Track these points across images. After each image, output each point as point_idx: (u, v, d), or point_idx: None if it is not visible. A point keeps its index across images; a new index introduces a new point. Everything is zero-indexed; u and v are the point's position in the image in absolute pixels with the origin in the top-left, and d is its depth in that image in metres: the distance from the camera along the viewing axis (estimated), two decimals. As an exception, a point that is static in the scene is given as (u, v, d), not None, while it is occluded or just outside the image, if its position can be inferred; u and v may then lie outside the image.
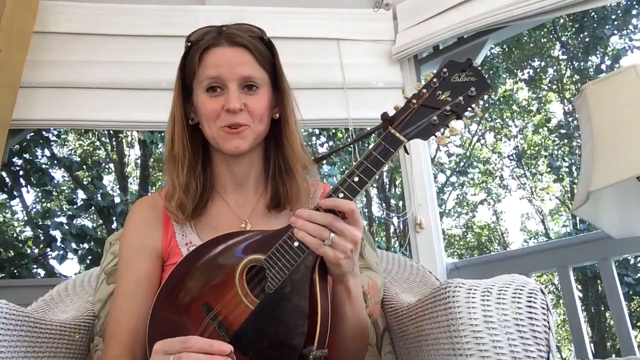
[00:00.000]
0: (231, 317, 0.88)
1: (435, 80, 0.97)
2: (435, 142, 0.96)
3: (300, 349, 0.84)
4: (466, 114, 0.95)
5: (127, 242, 1.11)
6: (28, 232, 8.01)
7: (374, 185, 10.00)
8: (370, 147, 0.94)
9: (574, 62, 10.33)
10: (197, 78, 1.06)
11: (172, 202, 1.07)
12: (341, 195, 0.90)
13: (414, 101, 0.97)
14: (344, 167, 9.06)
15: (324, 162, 9.43)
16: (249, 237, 0.96)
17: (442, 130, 0.95)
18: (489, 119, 11.71)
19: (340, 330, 0.98)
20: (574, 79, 10.64)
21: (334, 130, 9.00)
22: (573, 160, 10.17)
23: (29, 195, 8.04)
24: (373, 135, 1.18)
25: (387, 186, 10.32)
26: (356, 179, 0.92)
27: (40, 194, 8.13)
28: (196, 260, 0.96)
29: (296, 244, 0.89)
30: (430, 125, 0.94)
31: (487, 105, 11.01)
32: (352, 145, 2.15)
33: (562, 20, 9.32)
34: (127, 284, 1.05)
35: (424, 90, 0.97)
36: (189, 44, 1.09)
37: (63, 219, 6.42)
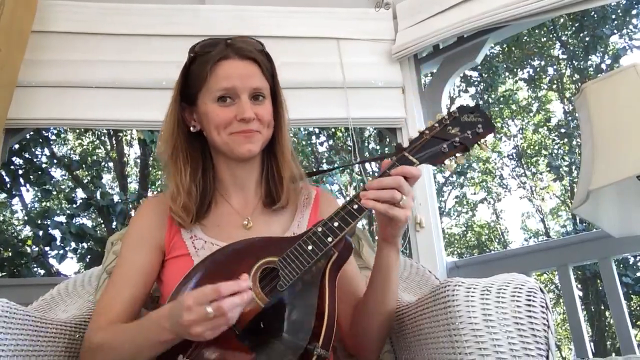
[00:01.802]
0: (242, 312, 0.91)
1: (446, 118, 1.08)
2: (443, 168, 1.06)
3: (305, 344, 0.87)
4: (473, 148, 1.05)
5: (131, 233, 1.15)
6: (28, 232, 8.01)
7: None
8: (386, 166, 1.00)
9: (574, 62, 10.33)
10: (207, 88, 1.10)
11: (177, 205, 1.10)
12: (356, 206, 0.97)
13: (427, 132, 1.06)
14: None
15: (324, 161, 9.43)
16: (265, 241, 1.03)
17: (450, 159, 1.04)
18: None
19: (385, 304, 1.04)
20: (574, 79, 10.64)
21: (333, 130, 9.00)
22: (573, 160, 10.17)
23: (28, 194, 8.05)
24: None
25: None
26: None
27: (39, 193, 8.12)
28: (213, 260, 1.01)
29: (310, 247, 0.95)
30: (440, 153, 1.03)
31: (487, 104, 11.00)
32: (352, 147, 2.16)
33: (562, 20, 9.31)
34: (127, 270, 1.09)
35: (436, 125, 1.07)
36: (194, 54, 1.13)
37: (62, 218, 6.42)
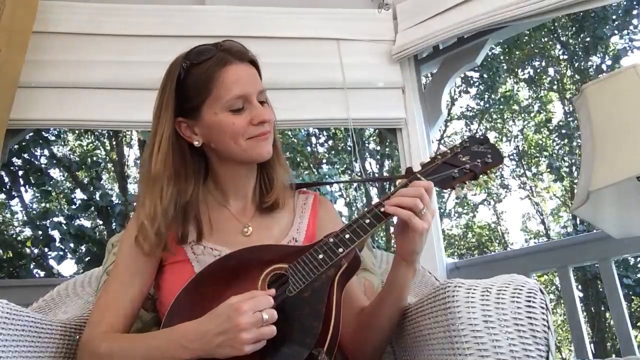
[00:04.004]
0: None
1: (458, 146, 1.14)
2: (453, 193, 1.10)
3: (311, 348, 0.88)
4: (481, 176, 1.10)
5: (129, 238, 1.12)
6: (27, 232, 8.00)
7: (374, 185, 10.00)
8: (399, 186, 1.03)
9: (575, 62, 10.33)
10: (215, 98, 1.05)
11: (150, 229, 1.05)
12: (367, 221, 0.99)
13: (439, 157, 1.11)
14: (344, 166, 9.06)
15: (324, 162, 9.44)
16: (272, 249, 1.05)
17: (459, 184, 1.07)
18: (490, 119, 11.70)
19: (394, 318, 1.04)
20: (574, 79, 10.64)
21: (333, 130, 9.01)
22: (573, 160, 10.17)
23: (27, 195, 8.04)
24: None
25: (387, 185, 10.32)
26: (382, 209, 0.99)
27: (39, 194, 8.12)
28: (223, 265, 1.02)
29: (320, 256, 0.97)
30: (450, 178, 1.06)
31: (487, 105, 11.00)
32: (352, 147, 2.18)
33: (562, 21, 9.31)
34: (123, 275, 1.08)
35: (448, 152, 1.13)
36: (188, 64, 1.06)
37: (62, 219, 6.41)
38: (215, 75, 1.04)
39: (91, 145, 9.55)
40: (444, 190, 1.09)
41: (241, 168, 1.13)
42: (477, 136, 1.17)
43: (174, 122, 1.08)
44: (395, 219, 1.00)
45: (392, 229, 10.82)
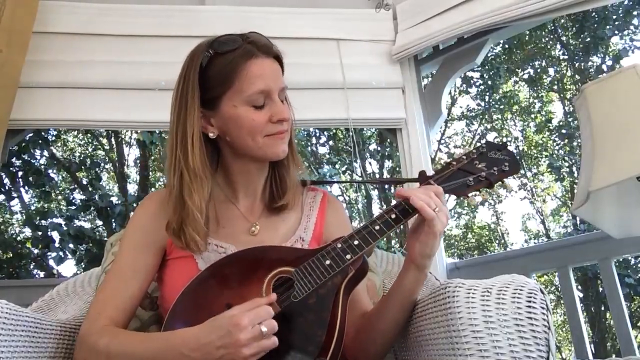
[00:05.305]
0: None
1: (474, 152, 1.12)
2: (466, 200, 1.07)
3: (314, 356, 0.87)
4: (497, 185, 1.06)
5: (132, 233, 1.11)
6: (27, 233, 8.01)
7: (375, 186, 10.00)
8: None
9: (575, 63, 10.33)
10: (236, 90, 1.02)
11: (194, 229, 1.03)
12: (377, 227, 0.97)
13: (454, 163, 1.09)
14: (345, 167, 9.05)
15: (324, 162, 9.44)
16: (278, 251, 1.03)
17: (473, 193, 1.05)
18: (490, 120, 11.70)
19: (401, 321, 1.02)
20: (574, 79, 10.64)
21: (334, 130, 9.01)
22: (574, 160, 10.17)
23: (27, 195, 8.04)
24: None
25: (388, 186, 10.32)
26: (393, 215, 0.98)
27: (38, 195, 8.12)
28: (228, 264, 1.00)
29: (328, 262, 0.95)
30: (464, 186, 1.04)
31: (487, 105, 11.00)
32: (352, 148, 2.18)
33: (562, 21, 9.32)
34: (125, 270, 1.06)
35: (464, 158, 1.10)
36: (212, 53, 1.04)
37: (61, 220, 6.41)
38: (240, 67, 1.02)
39: (91, 145, 9.55)
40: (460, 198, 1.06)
41: (254, 164, 1.11)
42: (494, 142, 1.13)
43: (201, 114, 1.05)
44: (401, 226, 0.99)
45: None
